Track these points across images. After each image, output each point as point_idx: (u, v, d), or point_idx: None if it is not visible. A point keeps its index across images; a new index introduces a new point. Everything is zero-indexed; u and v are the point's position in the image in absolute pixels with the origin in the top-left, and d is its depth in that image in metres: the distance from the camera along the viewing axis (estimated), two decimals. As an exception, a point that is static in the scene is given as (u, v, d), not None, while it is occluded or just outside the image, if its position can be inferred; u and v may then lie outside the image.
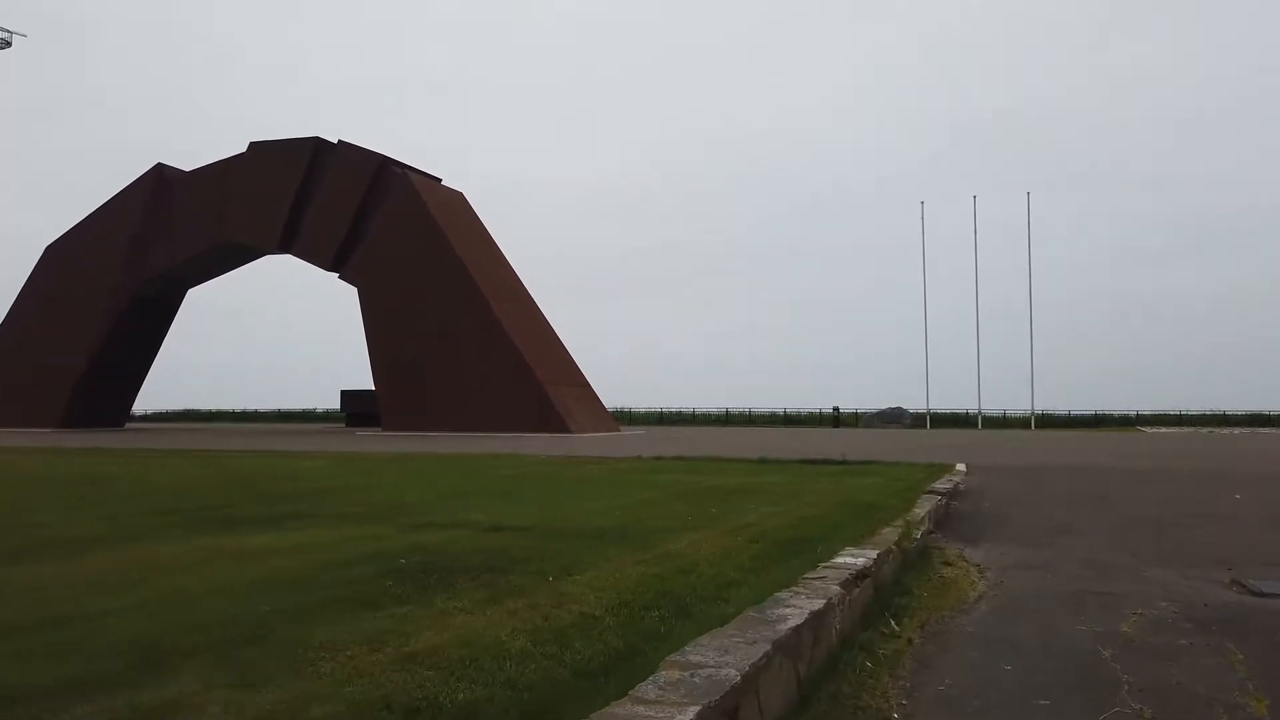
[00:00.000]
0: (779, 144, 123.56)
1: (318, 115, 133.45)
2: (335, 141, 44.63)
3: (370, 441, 32.73)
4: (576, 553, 6.26)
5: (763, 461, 19.56)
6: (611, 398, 74.75)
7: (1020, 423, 63.06)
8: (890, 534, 8.59)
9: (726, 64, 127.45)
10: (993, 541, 10.33)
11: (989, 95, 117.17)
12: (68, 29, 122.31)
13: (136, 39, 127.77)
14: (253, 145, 45.54)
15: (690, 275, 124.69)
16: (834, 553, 7.01)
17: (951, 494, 14.17)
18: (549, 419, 39.33)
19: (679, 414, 68.21)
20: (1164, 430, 54.44)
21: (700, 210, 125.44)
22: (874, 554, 7.00)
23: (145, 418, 75.49)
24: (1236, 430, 54.94)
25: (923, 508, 11.43)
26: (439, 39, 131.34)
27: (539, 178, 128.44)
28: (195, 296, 52.25)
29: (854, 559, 6.70)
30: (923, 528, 9.64)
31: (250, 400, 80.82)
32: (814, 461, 19.37)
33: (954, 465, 19.00)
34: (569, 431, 38.77)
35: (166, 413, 76.57)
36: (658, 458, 20.87)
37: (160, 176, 47.78)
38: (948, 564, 8.93)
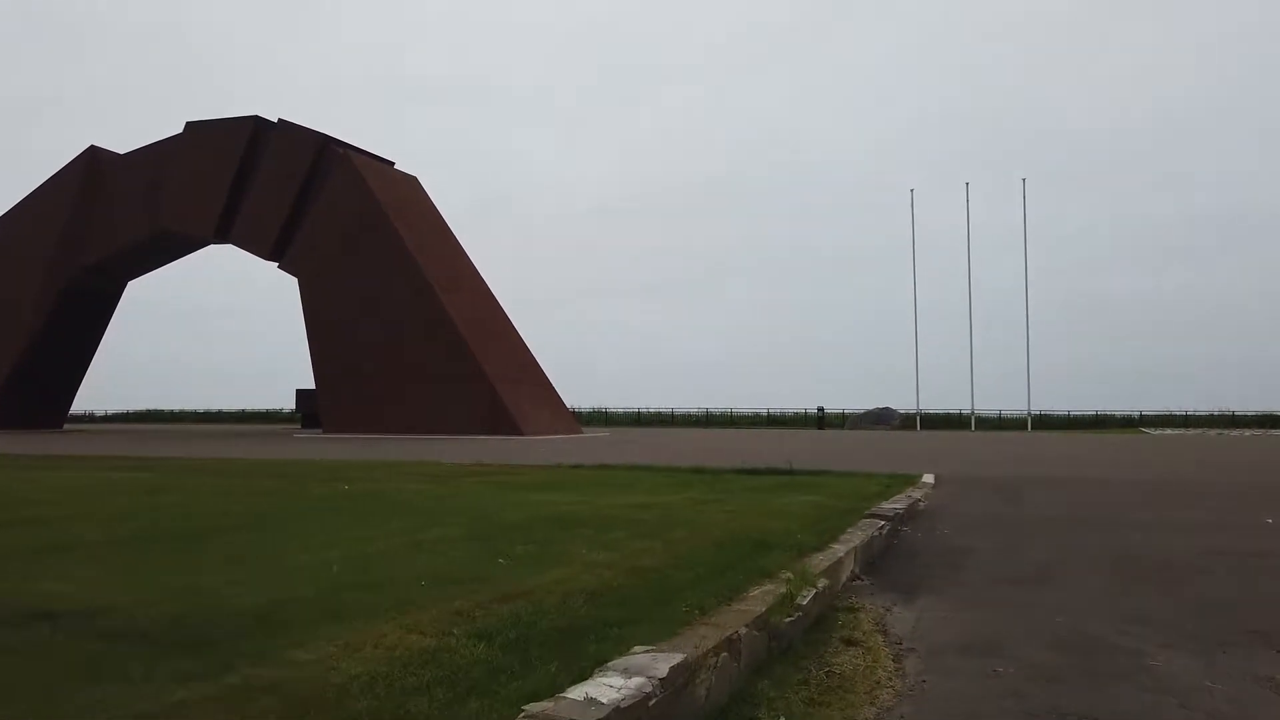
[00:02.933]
0: (778, 145, 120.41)
1: (317, 115, 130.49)
2: (276, 120, 41.47)
3: (278, 444, 29.66)
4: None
5: (697, 471, 16.58)
6: (596, 398, 71.79)
7: (1016, 424, 59.99)
8: (754, 603, 5.55)
9: (727, 66, 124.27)
10: (936, 595, 7.31)
11: (988, 95, 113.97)
12: (50, 27, 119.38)
13: (126, 36, 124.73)
14: (189, 125, 42.39)
15: (686, 277, 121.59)
16: (607, 658, 3.98)
17: (903, 517, 11.13)
18: (500, 420, 36.24)
19: (658, 414, 65.09)
20: (1169, 432, 51.20)
21: (696, 211, 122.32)
22: (669, 665, 3.94)
23: (105, 419, 72.63)
24: (1247, 432, 51.66)
25: (846, 544, 8.39)
26: (441, 40, 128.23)
27: (544, 180, 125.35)
28: (172, 294, 49.43)
29: (618, 683, 3.64)
30: (824, 582, 6.58)
31: (223, 401, 77.98)
32: (754, 471, 16.35)
33: (920, 476, 15.94)
34: (521, 434, 35.69)
35: (129, 413, 73.60)
36: (577, 466, 17.90)
37: (94, 160, 44.62)
38: (852, 642, 5.88)
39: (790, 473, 16.11)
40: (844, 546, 8.27)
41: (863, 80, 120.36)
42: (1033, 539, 9.94)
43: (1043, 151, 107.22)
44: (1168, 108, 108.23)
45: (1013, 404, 72.31)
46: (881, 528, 9.83)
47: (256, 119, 41.32)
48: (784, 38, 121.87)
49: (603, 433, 43.85)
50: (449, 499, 10.57)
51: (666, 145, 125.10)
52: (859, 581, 7.99)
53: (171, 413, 72.66)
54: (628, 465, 18.00)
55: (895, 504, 11.77)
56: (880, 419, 58.85)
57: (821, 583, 6.47)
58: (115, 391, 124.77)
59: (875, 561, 8.86)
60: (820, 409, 60.35)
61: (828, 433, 50.36)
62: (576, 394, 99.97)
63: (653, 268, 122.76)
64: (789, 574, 6.40)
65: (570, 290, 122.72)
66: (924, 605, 6.99)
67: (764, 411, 66.00)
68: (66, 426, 50.98)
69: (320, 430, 40.30)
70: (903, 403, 61.61)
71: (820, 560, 7.34)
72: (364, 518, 8.47)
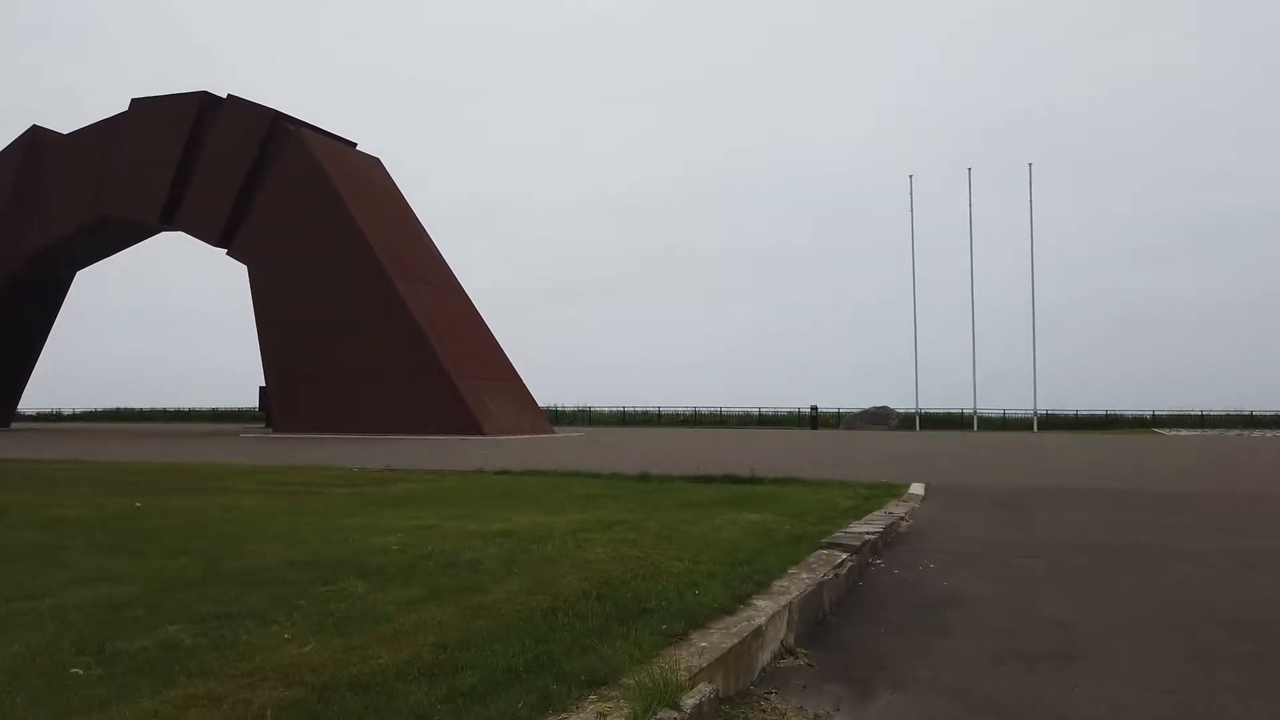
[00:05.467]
0: (776, 144, 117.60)
1: (316, 114, 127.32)
2: (224, 96, 38.58)
3: (205, 445, 26.92)
4: None
5: (641, 479, 13.88)
6: (587, 397, 69.07)
7: (1021, 424, 57.11)
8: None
9: (726, 65, 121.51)
10: (904, 688, 4.65)
11: (989, 94, 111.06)
12: (41, 23, 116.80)
13: (129, 36, 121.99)
14: (134, 102, 39.52)
15: (682, 276, 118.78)
16: None
17: (875, 546, 8.40)
18: (461, 419, 33.44)
19: (645, 414, 62.18)
20: (1183, 433, 48.22)
21: (694, 210, 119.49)
22: None
23: (72, 417, 70.04)
24: (1269, 433, 48.68)
25: (778, 598, 5.68)
26: (441, 37, 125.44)
27: (547, 178, 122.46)
28: (161, 292, 46.63)
29: None
30: (706, 690, 3.84)
31: (208, 400, 75.45)
32: (707, 479, 13.64)
33: (906, 486, 13.18)
34: (483, 433, 32.90)
35: (97, 412, 70.92)
36: (502, 471, 15.21)
37: (35, 141, 41.68)
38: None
39: (750, 481, 13.40)
40: (772, 603, 5.53)
41: (862, 78, 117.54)
42: (1048, 579, 7.21)
43: (1051, 148, 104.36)
44: (1184, 102, 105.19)
45: (1017, 403, 69.60)
46: (841, 564, 7.10)
47: (204, 94, 38.41)
48: (783, 35, 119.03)
49: (577, 433, 41.07)
50: (244, 523, 7.83)
51: (665, 143, 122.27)
52: (790, 660, 5.26)
53: (140, 411, 69.87)
54: (562, 471, 15.29)
55: (867, 526, 9.04)
56: (877, 419, 55.96)
57: (695, 697, 3.72)
58: (102, 391, 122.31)
59: (826, 619, 6.14)
60: (813, 408, 57.48)
61: (819, 433, 47.56)
62: (565, 393, 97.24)
63: (648, 266, 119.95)
64: (641, 677, 3.65)
65: (565, 289, 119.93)
66: (882, 712, 4.27)
67: (755, 411, 63.12)
68: (16, 425, 48.22)
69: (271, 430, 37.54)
70: (902, 402, 58.82)
71: (717, 639, 4.60)
72: (22, 564, 5.68)
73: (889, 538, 9.10)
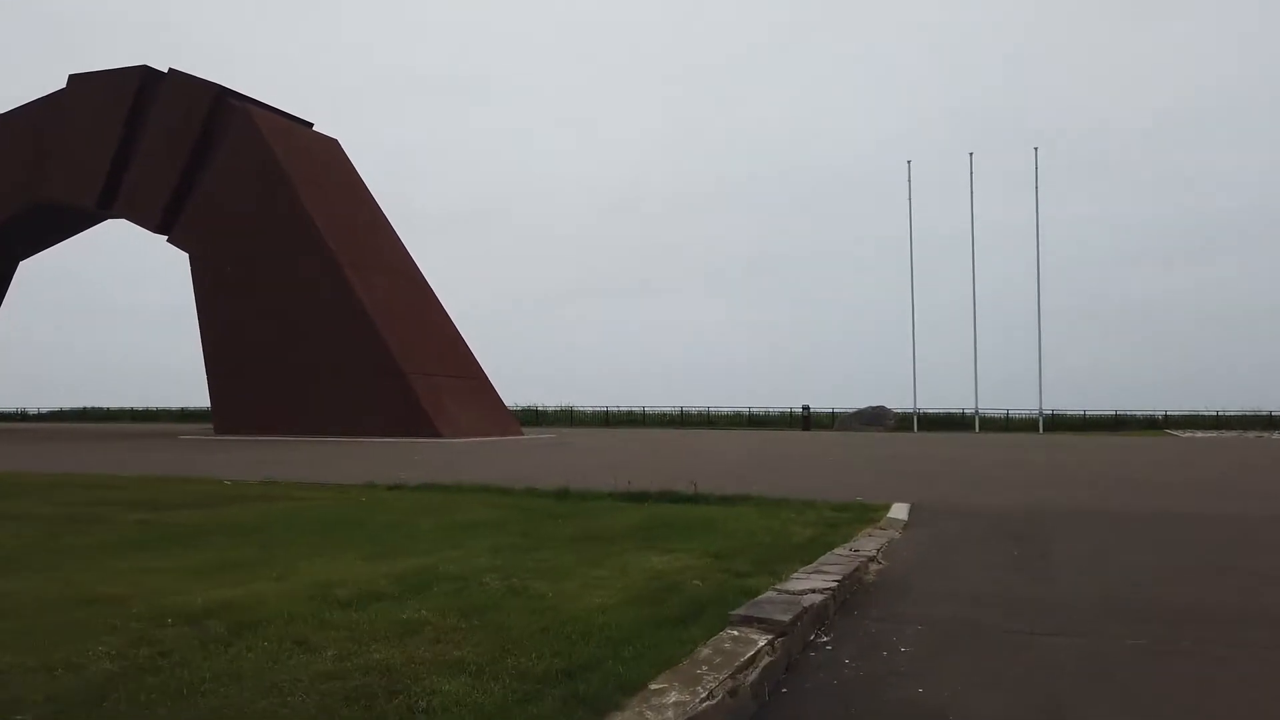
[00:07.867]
0: (774, 141, 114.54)
1: (318, 110, 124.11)
2: (166, 70, 35.71)
3: (118, 449, 24.20)
4: None
5: (559, 496, 11.19)
6: (571, 397, 66.41)
7: (1026, 425, 54.16)
8: None
9: (719, 65, 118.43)
10: None
11: (992, 93, 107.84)
12: (39, 22, 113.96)
13: (132, 36, 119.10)
14: (73, 78, 36.64)
15: (680, 274, 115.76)
16: None
17: (825, 610, 5.66)
18: (416, 420, 30.67)
19: (629, 414, 59.25)
20: (1199, 434, 45.28)
21: (691, 209, 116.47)
22: None
23: (37, 416, 67.38)
24: (1291, 433, 45.76)
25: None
26: (441, 37, 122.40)
27: (543, 176, 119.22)
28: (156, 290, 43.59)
29: None
30: None
31: (174, 399, 72.83)
32: (640, 496, 10.93)
33: (886, 508, 10.42)
34: (440, 436, 30.11)
35: (64, 411, 68.20)
36: (398, 486, 12.51)
37: (-31, 123, 38.88)
38: None
39: (691, 499, 10.67)
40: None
41: (860, 75, 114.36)
42: (1087, 681, 4.45)
43: (1055, 144, 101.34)
44: (1200, 98, 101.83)
45: (1022, 403, 66.79)
46: (751, 661, 4.37)
47: (144, 68, 35.54)
48: (785, 34, 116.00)
49: (549, 434, 38.26)
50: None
51: (662, 142, 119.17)
52: None
53: (108, 410, 67.00)
54: (471, 485, 12.60)
55: (818, 577, 6.31)
56: (872, 419, 53.08)
57: None
58: (96, 389, 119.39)
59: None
60: (805, 408, 54.54)
61: (809, 435, 44.73)
62: (555, 393, 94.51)
63: (642, 265, 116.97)
64: None
65: (559, 289, 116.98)
66: None
67: (745, 411, 60.13)
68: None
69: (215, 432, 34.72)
70: (902, 401, 55.90)
71: None
72: None
73: (849, 592, 6.37)
